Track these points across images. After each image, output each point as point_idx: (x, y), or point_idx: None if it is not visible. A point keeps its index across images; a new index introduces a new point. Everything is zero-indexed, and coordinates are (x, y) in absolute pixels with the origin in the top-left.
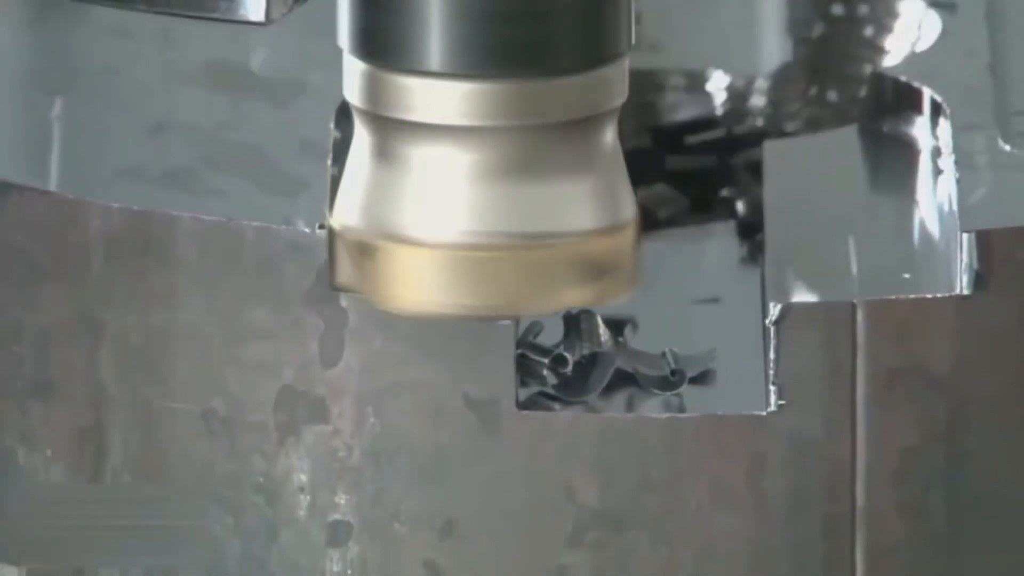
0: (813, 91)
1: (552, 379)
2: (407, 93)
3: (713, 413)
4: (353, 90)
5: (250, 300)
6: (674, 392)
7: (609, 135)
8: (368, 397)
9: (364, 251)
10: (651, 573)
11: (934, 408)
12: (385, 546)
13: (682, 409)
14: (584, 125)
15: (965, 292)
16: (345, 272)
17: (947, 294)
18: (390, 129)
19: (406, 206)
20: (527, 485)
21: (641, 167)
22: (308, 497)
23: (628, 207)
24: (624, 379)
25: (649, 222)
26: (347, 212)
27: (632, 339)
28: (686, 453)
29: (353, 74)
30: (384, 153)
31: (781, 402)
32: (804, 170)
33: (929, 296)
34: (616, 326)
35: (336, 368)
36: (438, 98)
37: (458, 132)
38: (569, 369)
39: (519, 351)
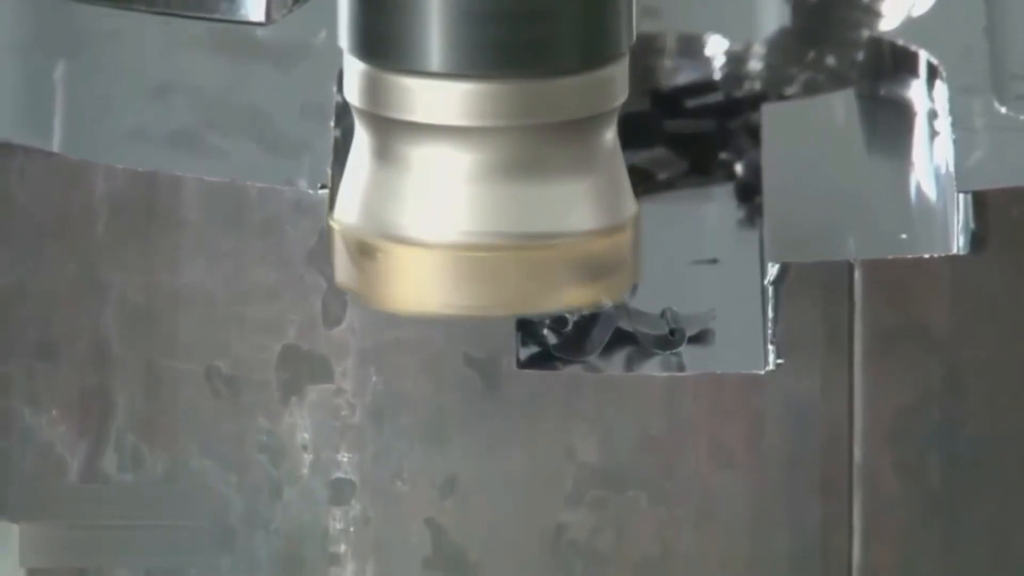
0: (811, 55)
1: (552, 339)
2: (407, 93)
3: (712, 372)
4: (353, 90)
5: (253, 260)
6: (673, 351)
7: (609, 134)
8: (370, 356)
9: (364, 251)
10: (650, 531)
11: (931, 367)
12: (387, 504)
13: (681, 368)
14: (584, 125)
15: (962, 252)
16: (345, 272)
17: (944, 254)
18: (390, 129)
19: (406, 206)
20: (527, 444)
21: (640, 130)
22: (311, 455)
23: (628, 206)
24: (624, 338)
25: (648, 185)
26: (347, 212)
27: (632, 299)
28: (685, 412)
29: (353, 74)
30: (384, 153)
31: (779, 361)
32: (802, 133)
33: (926, 256)
34: None
35: (339, 327)
36: (438, 98)
37: (458, 132)
38: (569, 329)
39: None
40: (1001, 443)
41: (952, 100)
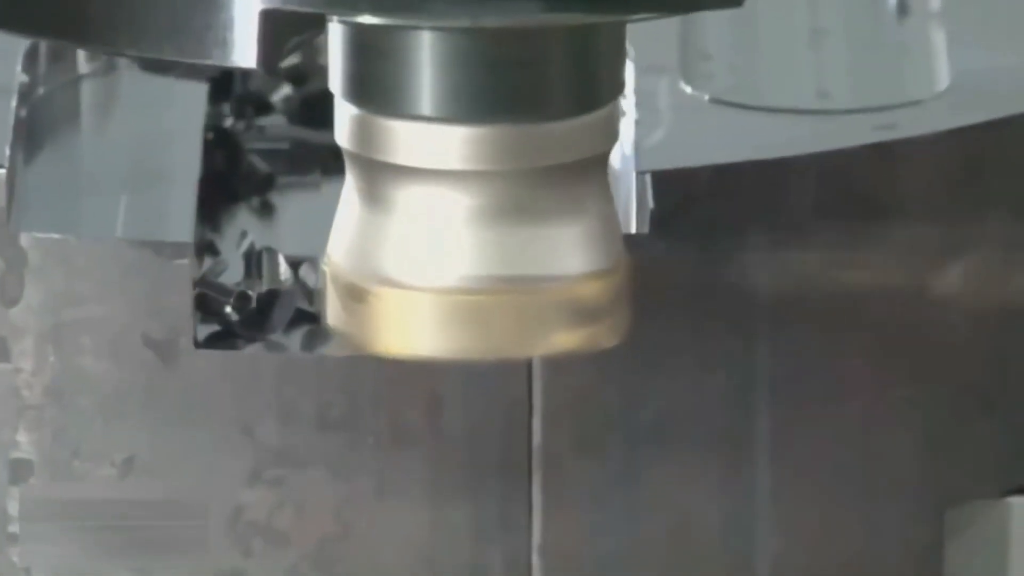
0: None
1: (233, 317)
2: (398, 138)
3: None
4: (345, 134)
5: None
6: None
7: (599, 178)
8: (49, 335)
9: (354, 294)
10: (331, 509)
11: (610, 348)
12: (65, 483)
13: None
14: (575, 169)
15: (641, 232)
16: (335, 314)
17: (624, 233)
18: (381, 173)
19: (396, 250)
20: (207, 423)
21: None
22: None
23: (618, 251)
24: (305, 317)
25: None
26: (338, 255)
27: (312, 278)
28: (365, 391)
29: (344, 118)
30: (375, 197)
31: None
32: None
33: None
34: (297, 265)
35: (16, 307)
36: (429, 143)
37: (449, 176)
38: (251, 307)
39: (198, 290)
40: (678, 422)
41: (637, 80)
